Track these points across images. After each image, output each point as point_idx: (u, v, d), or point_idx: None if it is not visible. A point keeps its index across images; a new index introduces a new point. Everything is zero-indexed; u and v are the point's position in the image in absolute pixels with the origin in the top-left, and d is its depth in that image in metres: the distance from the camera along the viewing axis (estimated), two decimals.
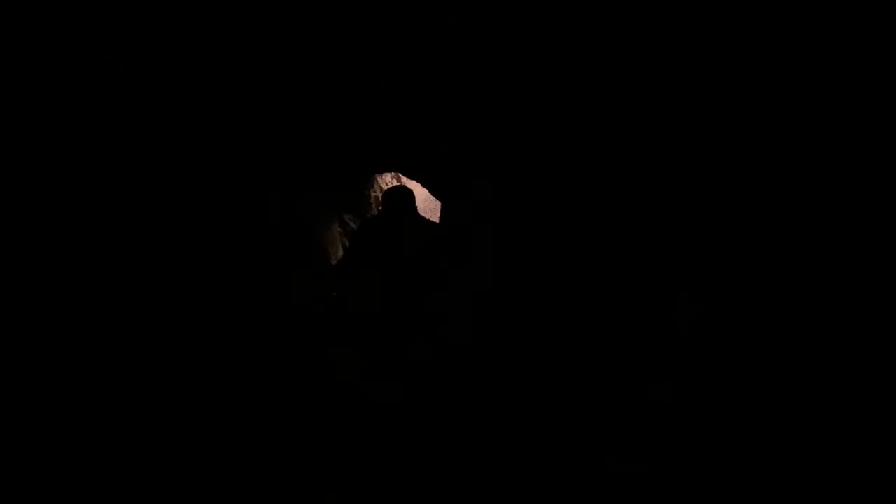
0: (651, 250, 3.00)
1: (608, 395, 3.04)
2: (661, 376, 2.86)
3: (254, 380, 3.47)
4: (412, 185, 9.56)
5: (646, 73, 2.94)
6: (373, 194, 6.37)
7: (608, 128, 3.16)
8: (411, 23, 3.32)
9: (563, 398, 3.19)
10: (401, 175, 9.13)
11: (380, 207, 3.59)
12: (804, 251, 2.43)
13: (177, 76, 3.32)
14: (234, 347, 3.55)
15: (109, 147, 3.22)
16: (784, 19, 2.43)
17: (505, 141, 3.65)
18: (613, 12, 2.86)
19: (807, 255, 2.42)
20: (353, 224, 6.06)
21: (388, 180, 8.61)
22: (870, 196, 2.23)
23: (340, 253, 6.23)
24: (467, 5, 3.20)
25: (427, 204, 9.50)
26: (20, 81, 2.88)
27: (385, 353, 3.59)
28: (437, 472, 2.93)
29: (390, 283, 3.48)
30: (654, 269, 2.98)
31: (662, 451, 2.66)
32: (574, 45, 3.13)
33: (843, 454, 2.11)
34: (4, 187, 2.83)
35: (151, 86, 3.28)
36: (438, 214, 6.54)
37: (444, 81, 3.53)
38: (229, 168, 3.56)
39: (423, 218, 3.62)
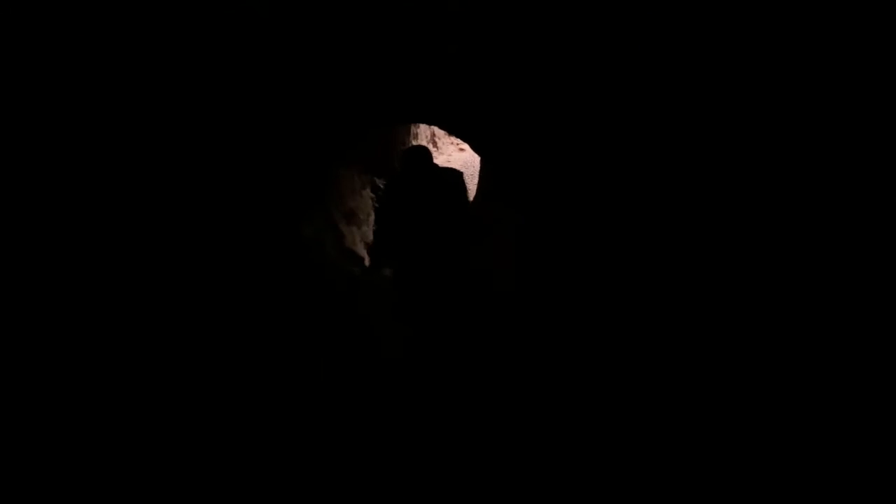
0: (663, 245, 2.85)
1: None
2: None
3: (270, 366, 3.19)
4: (453, 142, 9.13)
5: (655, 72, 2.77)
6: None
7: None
8: None
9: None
10: (437, 135, 8.69)
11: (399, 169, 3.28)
12: (805, 249, 2.30)
13: (196, 24, 2.97)
14: (249, 324, 3.26)
15: (124, 113, 2.96)
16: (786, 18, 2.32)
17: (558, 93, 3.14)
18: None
19: (808, 253, 2.30)
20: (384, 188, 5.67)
21: (423, 142, 8.20)
22: (870, 193, 2.11)
23: (371, 218, 5.89)
24: None
25: (466, 170, 9.07)
26: (20, 81, 2.72)
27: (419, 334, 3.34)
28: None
29: (415, 259, 3.19)
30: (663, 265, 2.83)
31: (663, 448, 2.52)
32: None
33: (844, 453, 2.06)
34: (4, 187, 2.68)
35: (166, 41, 2.97)
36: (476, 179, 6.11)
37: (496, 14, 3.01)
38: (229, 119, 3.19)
39: (445, 175, 3.25)
